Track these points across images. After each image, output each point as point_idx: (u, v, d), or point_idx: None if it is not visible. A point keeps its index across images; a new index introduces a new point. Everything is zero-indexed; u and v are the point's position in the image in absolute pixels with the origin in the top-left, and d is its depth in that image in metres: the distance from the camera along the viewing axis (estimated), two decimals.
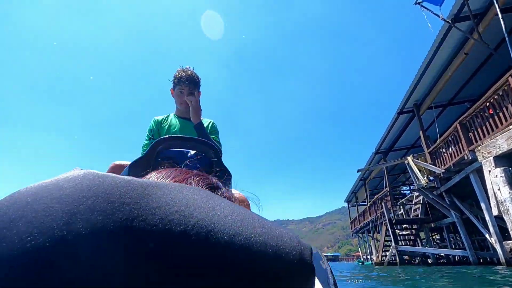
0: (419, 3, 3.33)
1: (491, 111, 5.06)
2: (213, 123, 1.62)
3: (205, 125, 1.50)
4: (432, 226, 8.66)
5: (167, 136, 0.91)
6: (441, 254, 9.18)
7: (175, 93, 1.53)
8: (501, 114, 4.80)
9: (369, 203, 13.25)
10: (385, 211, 8.76)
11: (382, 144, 10.43)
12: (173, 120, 1.61)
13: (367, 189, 14.66)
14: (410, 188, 16.53)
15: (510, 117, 4.57)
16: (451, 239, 9.64)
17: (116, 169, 1.17)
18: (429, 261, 10.08)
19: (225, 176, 1.01)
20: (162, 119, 1.60)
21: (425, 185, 6.80)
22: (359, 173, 12.16)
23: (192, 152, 1.02)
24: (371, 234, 14.95)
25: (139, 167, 0.85)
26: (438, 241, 11.67)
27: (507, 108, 4.65)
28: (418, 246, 9.13)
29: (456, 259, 9.68)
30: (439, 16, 3.49)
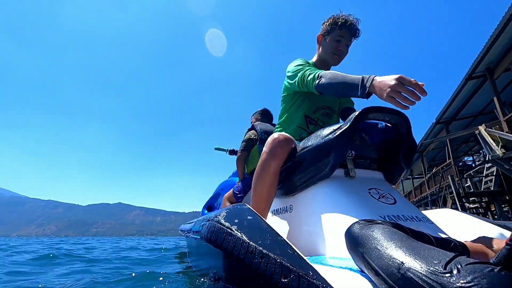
0: None
1: None
2: None
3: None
4: (507, 198, 8.04)
5: (369, 108, 1.03)
6: None
7: (329, 40, 1.36)
8: None
9: (427, 176, 12.62)
10: (451, 184, 8.32)
11: (444, 113, 9.70)
12: None
13: (424, 162, 13.91)
14: (474, 158, 15.28)
15: None
16: None
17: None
18: None
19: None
20: (311, 65, 1.38)
21: (502, 156, 6.30)
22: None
23: (383, 124, 1.12)
24: (429, 208, 14.35)
25: (344, 138, 1.00)
26: (508, 213, 10.85)
27: None
28: (490, 219, 8.60)
29: None
30: None
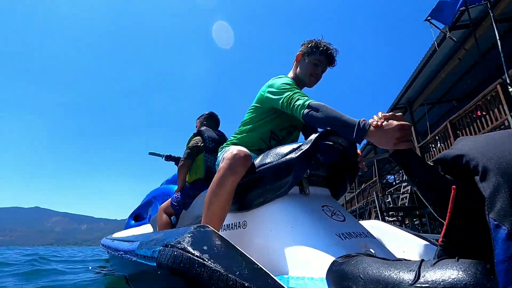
0: (428, 20, 3.67)
1: (479, 113, 5.59)
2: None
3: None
4: (417, 213, 9.43)
5: (328, 131, 1.07)
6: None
7: (308, 63, 1.40)
8: (487, 116, 5.33)
9: (357, 191, 13.99)
10: (375, 199, 9.42)
11: None
12: None
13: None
14: (394, 177, 17.45)
15: (495, 120, 5.10)
16: (431, 224, 10.53)
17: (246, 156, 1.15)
18: None
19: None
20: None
21: None
22: None
23: (336, 146, 1.19)
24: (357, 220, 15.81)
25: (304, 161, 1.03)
26: (418, 226, 12.65)
27: (493, 111, 5.18)
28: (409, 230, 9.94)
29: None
30: (445, 34, 3.86)
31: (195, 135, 2.15)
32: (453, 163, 0.50)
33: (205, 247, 0.72)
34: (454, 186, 0.52)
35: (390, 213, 10.70)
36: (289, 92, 1.21)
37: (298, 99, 1.16)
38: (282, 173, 1.05)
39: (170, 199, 2.06)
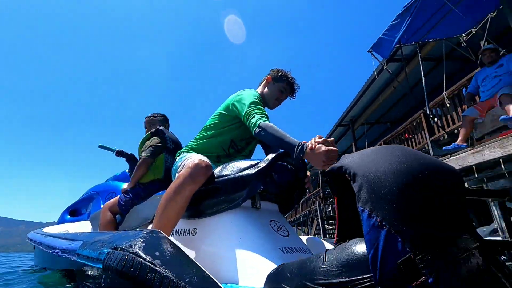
0: (370, 51, 4.17)
1: (407, 136, 6.44)
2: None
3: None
4: None
5: (284, 153, 1.20)
6: None
7: (275, 87, 1.56)
8: (413, 139, 6.18)
9: (301, 200, 14.72)
10: (317, 208, 10.05)
11: None
12: None
13: None
14: None
15: (418, 143, 5.93)
16: None
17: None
18: None
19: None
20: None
21: None
22: None
23: (289, 167, 1.30)
24: (300, 228, 16.60)
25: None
26: None
27: (417, 136, 6.03)
28: None
29: None
30: (383, 66, 4.41)
31: (153, 134, 2.08)
32: (337, 172, 0.68)
33: (157, 253, 0.73)
34: (335, 196, 0.71)
35: (330, 221, 11.50)
36: (251, 108, 1.34)
37: (254, 117, 1.29)
38: (238, 187, 1.10)
39: (117, 197, 1.96)
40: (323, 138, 1.10)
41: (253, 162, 1.16)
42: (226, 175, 1.16)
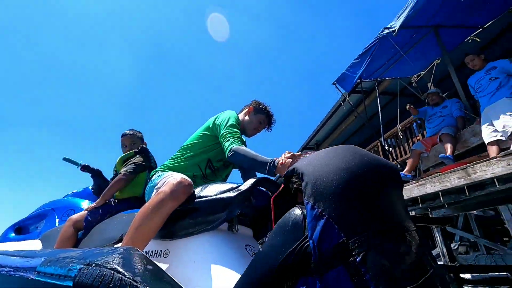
0: (334, 84, 4.53)
1: None
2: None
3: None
4: None
5: (263, 178, 1.18)
6: None
7: (255, 118, 1.64)
8: None
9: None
10: None
11: None
12: None
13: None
14: None
15: None
16: None
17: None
18: None
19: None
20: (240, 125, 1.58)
21: None
22: None
23: (267, 192, 1.32)
24: None
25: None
26: None
27: None
28: None
29: None
30: (345, 98, 4.80)
31: (136, 152, 2.00)
32: (291, 174, 0.77)
33: (136, 270, 0.71)
34: (272, 199, 0.82)
35: None
36: (227, 131, 1.40)
37: (228, 140, 1.36)
38: (218, 208, 1.08)
39: (84, 211, 1.81)
40: (291, 153, 1.20)
41: (233, 185, 1.15)
42: (205, 196, 1.13)
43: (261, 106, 1.66)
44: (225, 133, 1.40)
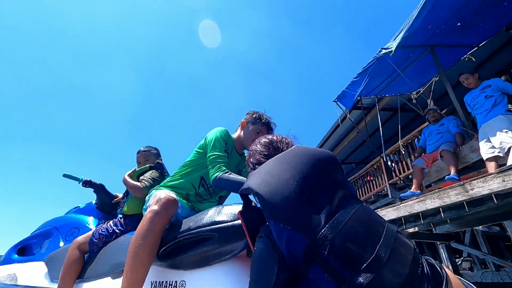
0: (335, 101, 4.65)
1: (369, 178, 6.92)
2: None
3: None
4: None
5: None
6: None
7: (251, 130, 1.57)
8: (374, 182, 6.65)
9: None
10: None
11: None
12: (235, 155, 1.59)
13: None
14: None
15: (379, 185, 6.39)
16: None
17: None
18: None
19: None
20: (231, 141, 1.56)
21: None
22: None
23: None
24: None
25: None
26: None
27: (377, 178, 6.51)
28: None
29: None
30: (346, 115, 4.92)
31: (151, 168, 1.96)
32: (247, 193, 0.82)
33: None
34: (239, 214, 0.83)
35: None
36: (211, 157, 1.40)
37: (213, 167, 1.36)
38: (236, 236, 0.98)
39: (90, 232, 1.73)
40: None
41: None
42: (221, 222, 1.04)
43: (254, 116, 1.60)
44: (209, 160, 1.40)
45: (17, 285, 1.48)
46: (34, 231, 2.34)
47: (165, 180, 1.57)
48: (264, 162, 0.88)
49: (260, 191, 0.72)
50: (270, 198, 0.70)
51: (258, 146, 1.01)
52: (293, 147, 0.89)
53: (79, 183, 2.23)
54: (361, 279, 0.56)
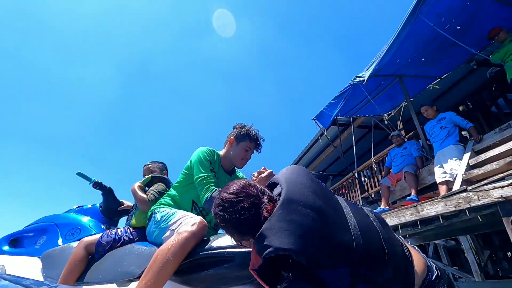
0: (314, 120, 5.03)
1: (343, 191, 7.33)
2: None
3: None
4: None
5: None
6: None
7: (239, 147, 1.53)
8: (349, 195, 7.06)
9: None
10: None
11: None
12: (221, 173, 1.55)
13: None
14: None
15: (352, 199, 6.81)
16: None
17: None
18: None
19: None
20: (216, 160, 1.52)
21: None
22: None
23: None
24: None
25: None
26: None
27: (351, 192, 6.93)
28: None
29: None
30: (323, 132, 5.32)
31: (159, 180, 1.94)
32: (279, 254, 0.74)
33: None
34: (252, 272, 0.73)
35: None
36: (202, 178, 1.39)
37: (202, 189, 1.36)
38: None
39: (99, 234, 1.66)
40: (261, 170, 1.31)
41: None
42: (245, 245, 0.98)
43: (242, 132, 1.54)
44: (197, 183, 1.40)
45: (26, 278, 1.42)
46: (30, 224, 2.21)
47: (166, 201, 1.53)
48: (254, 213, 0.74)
49: (300, 248, 0.63)
50: (318, 251, 0.65)
51: (234, 205, 0.77)
52: (285, 189, 0.76)
53: (90, 183, 2.19)
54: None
